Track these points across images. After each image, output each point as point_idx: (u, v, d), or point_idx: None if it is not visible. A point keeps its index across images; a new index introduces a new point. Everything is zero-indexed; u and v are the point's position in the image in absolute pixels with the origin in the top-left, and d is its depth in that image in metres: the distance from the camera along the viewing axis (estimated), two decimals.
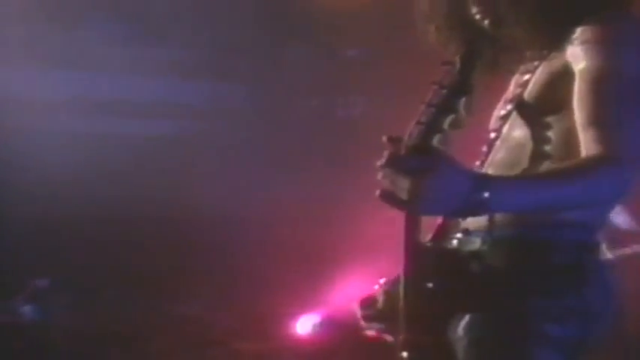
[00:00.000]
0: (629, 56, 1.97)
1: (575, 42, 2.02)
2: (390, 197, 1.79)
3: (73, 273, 5.53)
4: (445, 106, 1.86)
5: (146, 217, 5.61)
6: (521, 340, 2.07)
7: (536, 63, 2.16)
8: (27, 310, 5.49)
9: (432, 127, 1.86)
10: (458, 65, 1.87)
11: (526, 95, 2.15)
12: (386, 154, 1.81)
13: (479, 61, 1.89)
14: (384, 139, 1.86)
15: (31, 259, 5.46)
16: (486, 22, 2.16)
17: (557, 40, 2.07)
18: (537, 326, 2.06)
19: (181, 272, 5.63)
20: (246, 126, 6.23)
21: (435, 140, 1.87)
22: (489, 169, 2.19)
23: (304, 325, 5.65)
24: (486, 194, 1.75)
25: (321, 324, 5.62)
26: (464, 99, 1.85)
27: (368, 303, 2.33)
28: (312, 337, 5.61)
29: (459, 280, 2.12)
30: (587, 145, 1.92)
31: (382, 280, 2.31)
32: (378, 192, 1.80)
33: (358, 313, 2.35)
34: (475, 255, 2.13)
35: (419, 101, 1.91)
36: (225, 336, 5.53)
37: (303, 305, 5.62)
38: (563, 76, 2.05)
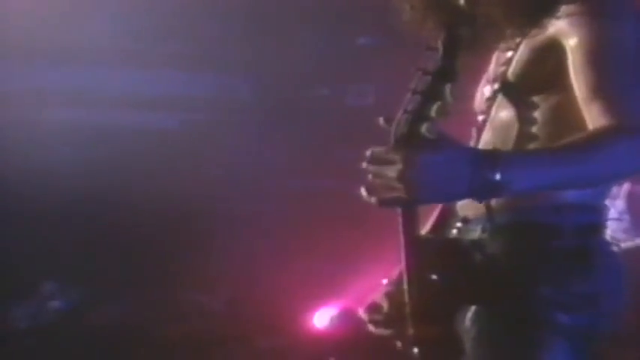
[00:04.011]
0: (619, 24, 1.90)
1: (560, 17, 1.95)
2: (385, 199, 1.69)
3: (86, 271, 5.52)
4: (431, 93, 1.75)
5: (157, 212, 5.58)
6: (531, 329, 2.01)
7: (517, 40, 2.08)
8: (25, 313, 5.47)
9: (418, 115, 1.76)
10: (441, 50, 1.78)
11: (510, 74, 2.07)
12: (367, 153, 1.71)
13: (462, 45, 1.80)
14: (381, 120, 1.77)
15: (42, 258, 5.45)
16: (461, 0, 2.08)
17: (536, 18, 1.99)
18: (546, 315, 2.00)
19: (197, 268, 5.62)
20: (256, 116, 6.19)
21: (423, 128, 1.77)
22: None
23: (322, 318, 5.62)
24: (497, 175, 1.65)
25: (339, 317, 5.58)
26: (449, 85, 1.76)
27: (374, 308, 2.26)
28: (329, 330, 5.58)
29: (462, 271, 2.06)
30: (594, 118, 1.84)
31: (385, 281, 2.25)
32: (373, 200, 1.69)
33: (365, 319, 2.28)
34: (476, 244, 2.07)
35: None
36: (242, 330, 5.52)
37: (320, 298, 5.59)
38: (548, 53, 1.98)
